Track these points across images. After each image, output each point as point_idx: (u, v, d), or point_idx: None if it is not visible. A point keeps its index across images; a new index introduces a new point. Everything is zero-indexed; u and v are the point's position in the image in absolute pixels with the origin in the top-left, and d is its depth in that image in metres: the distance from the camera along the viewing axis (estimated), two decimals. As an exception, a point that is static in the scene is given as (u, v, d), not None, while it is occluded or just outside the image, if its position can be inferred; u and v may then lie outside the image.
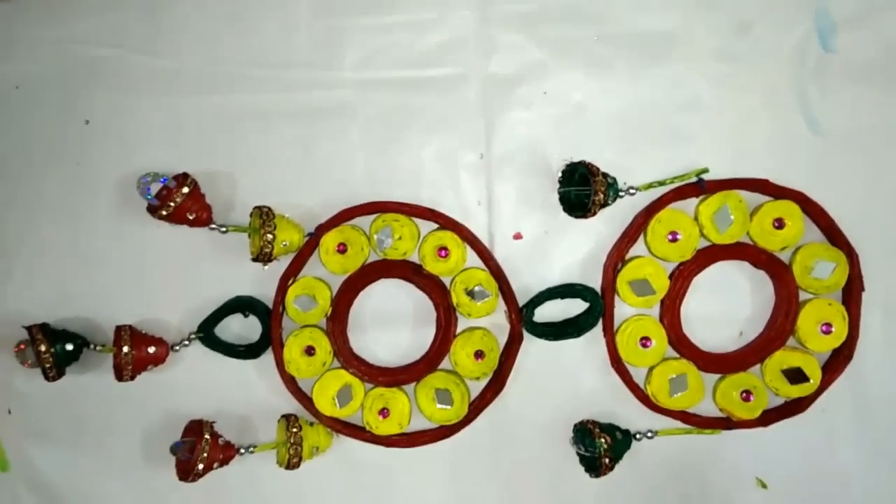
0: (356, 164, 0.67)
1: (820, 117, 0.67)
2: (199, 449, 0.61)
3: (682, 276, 0.66)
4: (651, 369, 0.66)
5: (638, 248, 0.66)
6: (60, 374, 0.63)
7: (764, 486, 0.68)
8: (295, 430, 0.64)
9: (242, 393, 0.67)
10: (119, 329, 0.63)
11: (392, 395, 0.65)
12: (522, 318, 0.66)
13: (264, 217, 0.62)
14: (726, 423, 0.66)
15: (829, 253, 0.65)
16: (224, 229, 0.64)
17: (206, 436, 0.62)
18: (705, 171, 0.65)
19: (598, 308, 0.65)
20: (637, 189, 0.65)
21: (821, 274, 0.64)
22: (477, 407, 0.66)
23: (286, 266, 0.65)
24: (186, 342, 0.65)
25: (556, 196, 0.65)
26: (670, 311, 0.66)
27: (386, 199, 0.65)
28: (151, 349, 0.63)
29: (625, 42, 0.66)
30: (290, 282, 0.65)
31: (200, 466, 0.61)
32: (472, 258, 0.66)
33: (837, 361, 0.66)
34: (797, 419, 0.66)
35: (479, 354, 0.65)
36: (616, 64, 0.67)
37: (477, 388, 0.67)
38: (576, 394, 0.67)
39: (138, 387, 0.64)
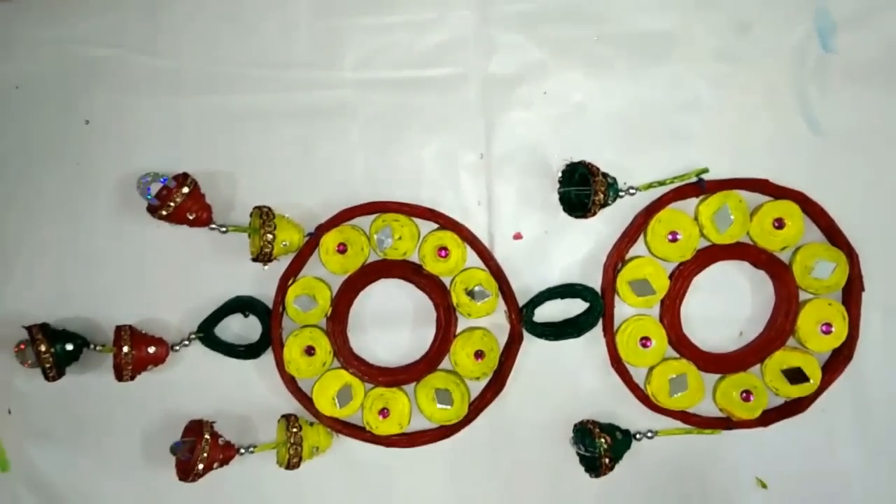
0: (356, 164, 0.67)
1: (820, 117, 0.67)
2: (199, 449, 0.61)
3: (682, 276, 0.66)
4: (651, 369, 0.66)
5: (638, 248, 0.66)
6: (60, 374, 0.63)
7: (764, 486, 0.68)
8: (295, 430, 0.64)
9: (242, 393, 0.67)
10: (119, 329, 0.63)
11: (392, 395, 0.65)
12: (522, 318, 0.65)
13: (264, 217, 0.62)
14: (726, 423, 0.66)
15: (829, 253, 0.65)
16: (224, 229, 0.64)
17: (206, 436, 0.62)
18: (705, 171, 0.65)
19: (598, 308, 0.65)
20: (637, 189, 0.65)
21: (821, 274, 0.64)
22: (477, 407, 0.66)
23: (286, 266, 0.65)
24: (186, 342, 0.65)
25: (556, 196, 0.65)
26: (670, 311, 0.66)
27: (386, 199, 0.65)
28: (151, 349, 0.63)
29: (625, 42, 0.66)
30: (290, 282, 0.65)
31: (200, 466, 0.61)
32: (472, 258, 0.66)
33: (837, 361, 0.66)
34: (797, 419, 0.66)
35: (479, 354, 0.65)
36: (616, 64, 0.67)
37: (477, 388, 0.67)
38: (576, 394, 0.67)
39: (138, 387, 0.64)
